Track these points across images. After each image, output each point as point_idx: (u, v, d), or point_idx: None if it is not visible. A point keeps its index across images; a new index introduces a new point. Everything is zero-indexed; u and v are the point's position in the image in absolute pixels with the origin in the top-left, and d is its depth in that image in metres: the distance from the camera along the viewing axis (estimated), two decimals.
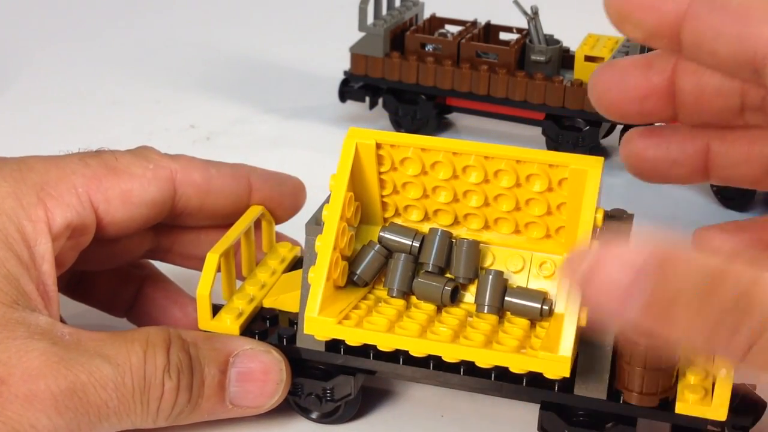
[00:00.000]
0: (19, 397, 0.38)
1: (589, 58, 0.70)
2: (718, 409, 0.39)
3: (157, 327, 0.42)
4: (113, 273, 0.49)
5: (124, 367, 0.40)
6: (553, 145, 0.72)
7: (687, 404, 0.39)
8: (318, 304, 0.39)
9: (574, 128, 0.72)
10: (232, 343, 0.43)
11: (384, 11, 0.76)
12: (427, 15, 0.79)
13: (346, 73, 0.77)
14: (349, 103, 0.78)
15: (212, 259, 0.43)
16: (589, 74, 0.69)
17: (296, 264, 0.49)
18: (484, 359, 0.39)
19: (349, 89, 0.77)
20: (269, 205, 0.48)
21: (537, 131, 0.73)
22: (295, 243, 0.50)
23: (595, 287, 0.30)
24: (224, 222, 0.47)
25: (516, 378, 0.41)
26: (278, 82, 0.87)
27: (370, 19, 0.75)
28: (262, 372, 0.43)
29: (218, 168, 0.47)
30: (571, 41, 0.73)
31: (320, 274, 0.40)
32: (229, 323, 0.44)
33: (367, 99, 0.77)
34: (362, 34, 0.74)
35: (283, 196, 0.49)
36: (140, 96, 0.84)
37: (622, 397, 0.41)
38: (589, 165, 0.40)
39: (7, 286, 0.39)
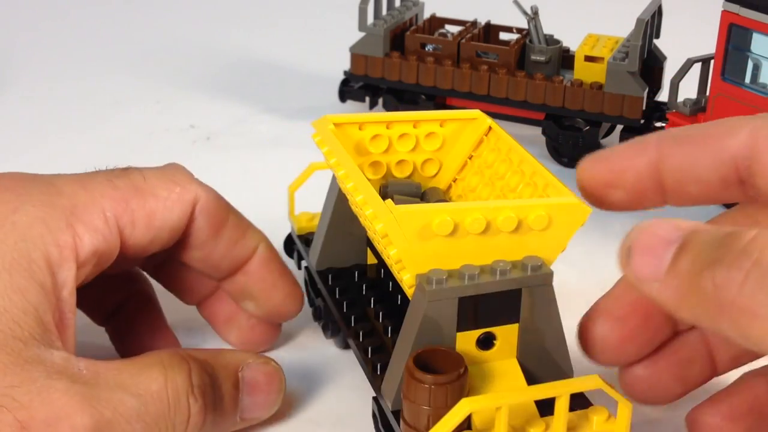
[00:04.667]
0: None
1: (589, 58, 0.70)
2: None
3: (169, 350, 0.42)
4: (101, 277, 0.49)
5: (146, 396, 0.39)
6: (553, 144, 0.72)
7: None
8: None
9: (574, 128, 0.72)
10: (238, 357, 0.43)
11: (384, 11, 0.77)
12: (427, 15, 0.79)
13: (346, 73, 0.77)
14: (349, 103, 0.78)
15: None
16: (589, 74, 0.70)
17: None
18: None
19: (349, 89, 0.78)
20: (258, 293, 0.47)
21: (537, 131, 0.73)
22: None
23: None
24: (208, 270, 0.46)
25: None
26: (278, 82, 0.87)
27: (370, 19, 0.75)
28: (267, 383, 0.43)
29: (237, 216, 0.46)
30: (571, 41, 0.74)
31: None
32: None
33: (367, 99, 0.77)
34: (362, 34, 0.75)
35: (273, 294, 0.48)
36: (140, 96, 0.84)
37: None
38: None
39: (25, 319, 0.38)
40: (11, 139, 0.76)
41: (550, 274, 0.40)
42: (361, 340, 0.44)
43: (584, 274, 0.56)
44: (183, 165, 0.46)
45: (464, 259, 0.39)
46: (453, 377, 0.37)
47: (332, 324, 0.49)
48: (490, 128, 0.48)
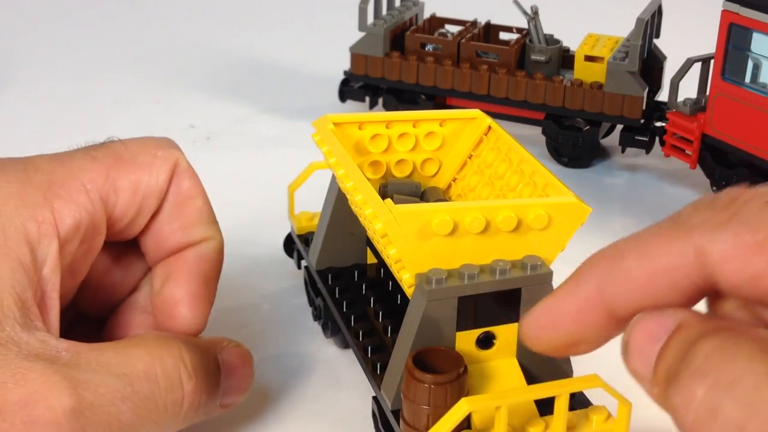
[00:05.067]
0: (16, 425, 0.34)
1: (589, 58, 0.70)
2: None
3: (154, 331, 0.41)
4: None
5: (131, 376, 0.37)
6: (553, 144, 0.72)
7: None
8: None
9: (574, 128, 0.72)
10: (213, 339, 0.42)
11: (384, 11, 0.77)
12: (427, 15, 0.79)
13: (346, 73, 0.77)
14: (349, 103, 0.78)
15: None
16: (589, 74, 0.70)
17: None
18: None
19: (349, 89, 0.78)
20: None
21: (537, 131, 0.73)
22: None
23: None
24: (152, 243, 0.43)
25: None
26: (278, 82, 0.87)
27: (370, 19, 0.75)
28: (242, 366, 0.42)
29: (207, 202, 0.44)
30: (571, 41, 0.74)
31: None
32: None
33: (367, 99, 0.77)
34: (362, 34, 0.74)
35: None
36: (140, 96, 0.84)
37: None
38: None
39: (0, 298, 0.36)
40: (11, 139, 0.76)
41: (550, 274, 0.40)
42: (360, 339, 0.45)
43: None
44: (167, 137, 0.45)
45: (464, 258, 0.39)
46: (452, 377, 0.37)
47: (332, 323, 0.49)
48: (489, 128, 0.48)
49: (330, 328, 0.49)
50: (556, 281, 0.40)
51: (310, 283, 0.52)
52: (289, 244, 0.56)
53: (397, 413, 0.39)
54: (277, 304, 0.54)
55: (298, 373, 0.48)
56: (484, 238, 0.39)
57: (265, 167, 0.71)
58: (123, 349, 0.38)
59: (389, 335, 0.44)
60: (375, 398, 0.42)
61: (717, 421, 0.27)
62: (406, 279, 0.39)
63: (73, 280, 0.41)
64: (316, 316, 0.51)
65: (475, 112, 0.48)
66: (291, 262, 0.56)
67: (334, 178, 0.49)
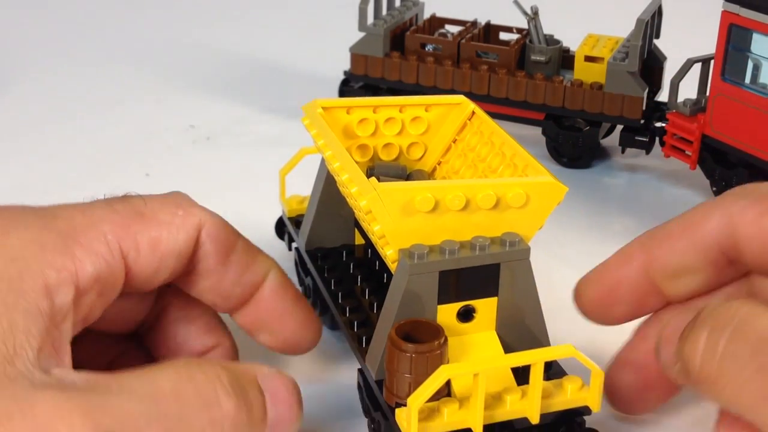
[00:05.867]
0: None
1: (589, 58, 0.71)
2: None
3: (185, 356, 0.41)
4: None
5: (158, 397, 0.35)
6: (553, 144, 0.72)
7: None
8: None
9: (574, 128, 0.72)
10: (252, 365, 0.40)
11: (384, 11, 0.77)
12: (427, 15, 0.80)
13: (346, 73, 0.77)
14: None
15: None
16: (589, 74, 0.70)
17: None
18: None
19: (349, 89, 0.78)
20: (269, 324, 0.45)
21: (537, 131, 0.74)
22: None
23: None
24: (218, 301, 0.44)
25: None
26: (278, 82, 0.88)
27: (370, 19, 0.76)
28: (288, 393, 0.39)
29: (245, 241, 0.44)
30: (571, 41, 0.74)
31: None
32: None
33: None
34: (362, 34, 0.75)
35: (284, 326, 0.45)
36: (140, 96, 0.84)
37: None
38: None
39: (10, 338, 0.34)
40: (12, 139, 0.76)
41: (527, 250, 0.42)
42: (347, 315, 0.47)
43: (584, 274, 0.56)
44: (186, 194, 0.44)
45: (445, 235, 0.42)
46: (433, 347, 0.39)
47: (321, 302, 0.51)
48: (473, 113, 0.50)
49: (319, 306, 0.51)
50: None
51: (300, 264, 0.54)
52: (281, 227, 0.58)
53: (380, 383, 0.42)
54: None
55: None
56: (465, 215, 0.41)
57: (265, 167, 0.71)
58: (147, 373, 0.36)
59: (375, 311, 0.47)
60: (360, 370, 0.45)
61: (716, 357, 0.34)
62: (390, 255, 0.42)
63: (83, 325, 0.40)
64: (306, 296, 0.54)
65: (459, 98, 0.51)
66: (282, 245, 0.57)
67: (323, 161, 0.51)
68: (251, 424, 0.37)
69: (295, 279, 0.55)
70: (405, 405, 0.39)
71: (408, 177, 0.50)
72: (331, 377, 0.49)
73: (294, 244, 0.55)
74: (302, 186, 0.55)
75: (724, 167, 0.66)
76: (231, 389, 0.36)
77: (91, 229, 0.39)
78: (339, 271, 0.50)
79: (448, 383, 0.40)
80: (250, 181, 0.70)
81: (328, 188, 0.50)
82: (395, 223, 0.41)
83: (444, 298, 0.41)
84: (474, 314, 0.42)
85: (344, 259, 0.51)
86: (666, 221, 0.43)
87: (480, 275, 0.41)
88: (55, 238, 0.38)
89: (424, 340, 0.40)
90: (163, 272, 0.41)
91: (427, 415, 0.39)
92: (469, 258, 0.41)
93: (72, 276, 0.37)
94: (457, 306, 0.42)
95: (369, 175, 0.49)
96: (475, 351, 0.42)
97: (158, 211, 0.41)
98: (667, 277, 0.42)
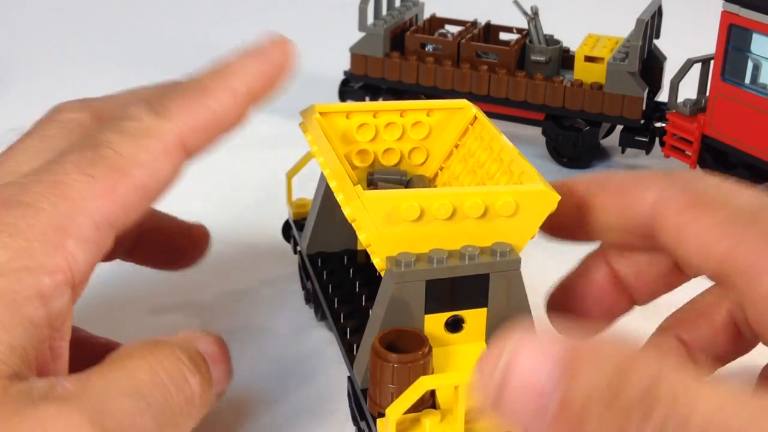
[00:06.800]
0: None
1: (589, 58, 0.71)
2: None
3: (133, 342, 0.39)
4: None
5: (142, 389, 0.36)
6: (553, 144, 0.72)
7: None
8: None
9: (574, 128, 0.72)
10: (186, 335, 0.41)
11: (384, 11, 0.77)
12: (427, 15, 0.79)
13: (346, 73, 0.77)
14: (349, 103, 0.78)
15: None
16: (589, 74, 0.70)
17: None
18: None
19: (349, 89, 0.78)
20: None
21: (537, 131, 0.74)
22: None
23: (509, 396, 0.31)
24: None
25: None
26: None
27: (370, 19, 0.76)
28: (221, 352, 0.41)
29: None
30: (571, 41, 0.74)
31: None
32: None
33: (367, 99, 0.77)
34: (362, 34, 0.75)
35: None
36: None
37: None
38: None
39: (10, 357, 0.34)
40: (11, 139, 0.76)
41: (518, 260, 0.41)
42: (341, 321, 0.47)
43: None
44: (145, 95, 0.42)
45: (433, 244, 0.41)
46: (417, 357, 0.39)
47: (322, 306, 0.51)
48: (475, 117, 0.49)
49: (320, 311, 0.51)
50: (531, 270, 0.40)
51: (302, 268, 0.54)
52: (287, 230, 0.58)
53: (366, 392, 0.41)
54: (274, 288, 0.56)
55: (290, 355, 0.50)
56: (453, 224, 0.41)
57: (265, 167, 0.71)
58: (123, 368, 0.36)
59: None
60: (349, 378, 0.44)
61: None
62: (377, 263, 0.41)
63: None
64: (308, 300, 0.54)
65: (462, 102, 0.50)
66: (288, 248, 0.58)
67: None
68: (210, 393, 0.39)
69: (298, 282, 0.56)
70: None
71: (408, 183, 0.50)
72: (324, 384, 0.48)
73: (299, 248, 0.55)
74: (309, 188, 0.55)
75: (724, 167, 0.66)
76: (192, 366, 0.38)
77: (78, 215, 0.37)
78: (338, 276, 0.50)
79: (433, 394, 0.39)
80: (250, 181, 0.70)
81: (329, 192, 0.50)
82: (380, 232, 0.40)
83: (431, 308, 0.41)
84: (463, 325, 0.42)
85: (345, 264, 0.51)
86: (612, 176, 0.42)
87: (468, 285, 0.41)
88: (43, 238, 0.36)
89: (408, 350, 0.39)
90: (156, 201, 0.40)
91: (407, 426, 0.38)
92: (457, 267, 0.40)
93: (67, 277, 0.36)
94: (445, 316, 0.41)
95: (369, 181, 0.49)
96: (462, 362, 0.41)
97: (133, 155, 0.38)
98: (600, 222, 0.41)
